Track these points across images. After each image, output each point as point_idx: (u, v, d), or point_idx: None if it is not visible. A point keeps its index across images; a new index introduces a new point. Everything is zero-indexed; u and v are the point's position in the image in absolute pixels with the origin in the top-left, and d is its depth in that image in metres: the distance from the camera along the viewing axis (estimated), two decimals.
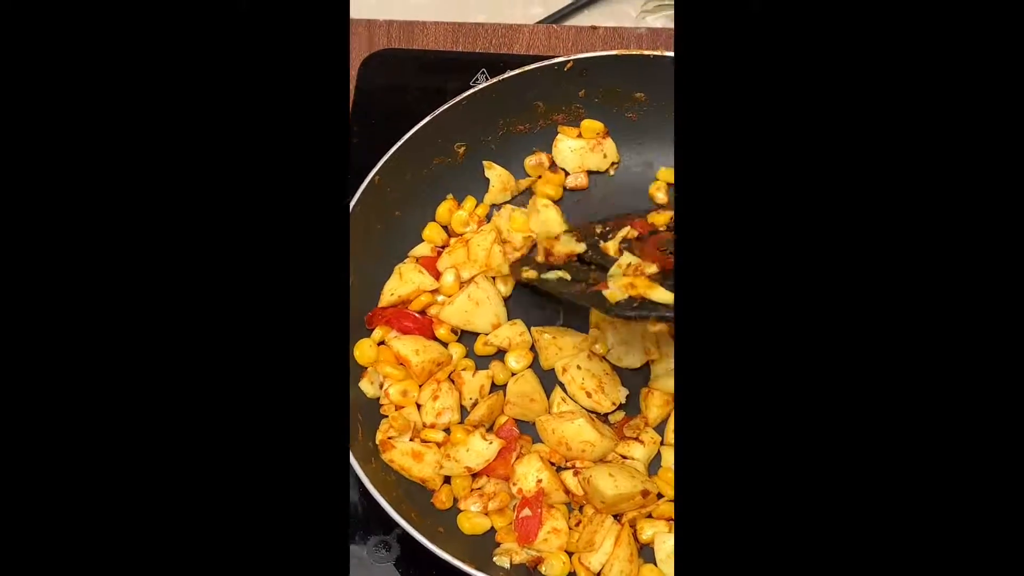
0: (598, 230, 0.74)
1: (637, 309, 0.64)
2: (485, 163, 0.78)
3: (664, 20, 0.96)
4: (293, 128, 0.47)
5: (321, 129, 0.47)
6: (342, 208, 0.48)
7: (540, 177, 0.79)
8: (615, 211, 0.76)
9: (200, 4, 0.47)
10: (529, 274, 0.72)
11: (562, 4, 0.98)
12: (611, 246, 0.72)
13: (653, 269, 0.67)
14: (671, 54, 0.75)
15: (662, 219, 0.74)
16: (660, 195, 0.78)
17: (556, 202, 0.78)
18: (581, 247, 0.72)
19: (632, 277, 0.66)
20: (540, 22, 0.96)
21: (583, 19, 0.98)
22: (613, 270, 0.69)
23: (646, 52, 0.76)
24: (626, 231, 0.73)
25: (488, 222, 0.78)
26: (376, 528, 0.70)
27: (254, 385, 0.45)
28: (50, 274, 0.45)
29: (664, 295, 0.64)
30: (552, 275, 0.71)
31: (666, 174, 0.78)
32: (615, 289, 0.66)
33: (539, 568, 0.68)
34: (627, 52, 0.76)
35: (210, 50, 0.47)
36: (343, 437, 0.57)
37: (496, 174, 0.78)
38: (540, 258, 0.74)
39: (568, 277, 0.71)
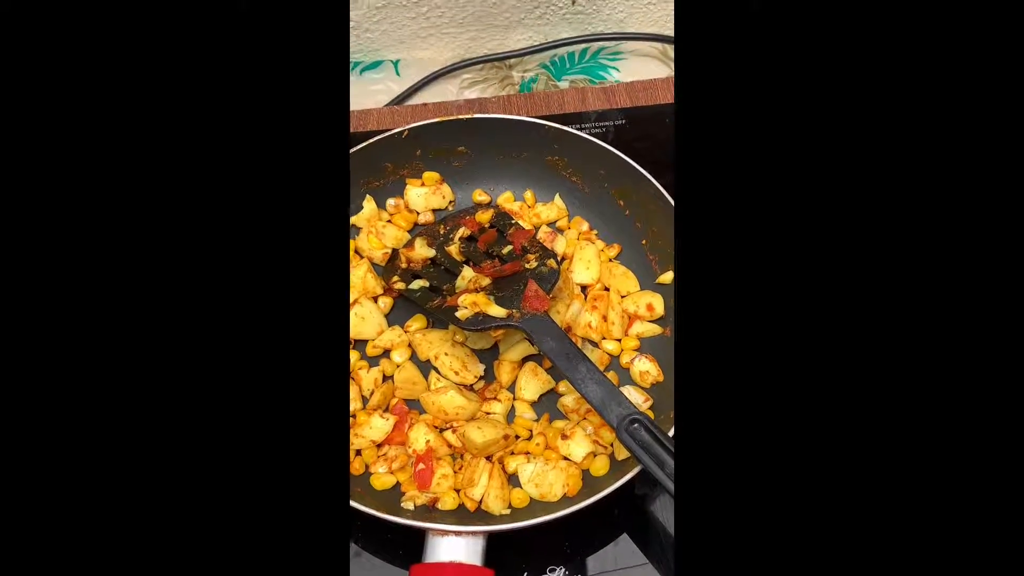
0: (441, 230, 0.89)
1: (482, 323, 0.79)
2: (365, 199, 0.92)
3: (477, 92, 1.14)
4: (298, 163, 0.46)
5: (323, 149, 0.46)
6: (343, 221, 0.48)
7: (397, 214, 0.94)
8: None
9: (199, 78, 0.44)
10: (399, 285, 0.86)
11: (400, 91, 1.14)
12: (454, 249, 0.87)
13: (487, 282, 0.82)
14: (480, 115, 0.92)
15: (485, 217, 0.89)
16: (480, 196, 0.95)
17: (408, 231, 0.92)
18: (431, 252, 0.87)
19: (474, 295, 0.80)
20: (386, 105, 1.12)
21: (417, 99, 1.14)
22: (459, 282, 0.83)
23: (461, 116, 0.92)
24: (462, 231, 0.88)
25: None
26: None
27: (264, 378, 0.45)
28: (51, 286, 0.43)
29: (498, 310, 0.79)
30: (416, 284, 0.85)
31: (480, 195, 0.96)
32: (464, 309, 0.80)
33: (436, 505, 0.78)
34: (446, 118, 0.92)
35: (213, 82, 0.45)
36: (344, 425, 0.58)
37: (370, 207, 0.93)
38: (403, 264, 0.87)
39: (427, 284, 0.85)
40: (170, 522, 0.44)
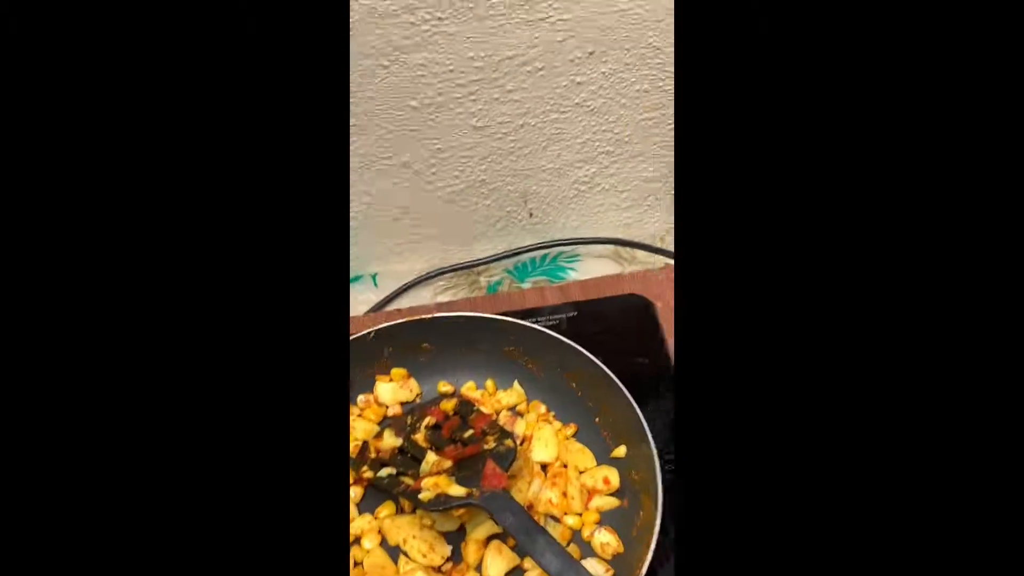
0: (408, 421, 0.96)
1: (444, 503, 0.84)
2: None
3: (450, 296, 1.25)
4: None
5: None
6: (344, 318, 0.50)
7: (367, 408, 1.01)
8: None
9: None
10: (368, 474, 0.92)
11: (378, 299, 1.24)
12: (420, 437, 0.93)
13: (448, 464, 0.88)
14: (439, 315, 1.01)
15: (449, 406, 0.97)
16: (444, 387, 1.03)
17: (378, 423, 0.99)
18: (399, 441, 0.94)
19: (436, 477, 0.86)
20: (365, 313, 1.22)
21: (394, 305, 1.25)
22: (423, 467, 0.89)
23: (422, 317, 1.01)
24: (428, 420, 0.95)
25: None
26: None
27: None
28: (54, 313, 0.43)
29: (458, 490, 0.84)
30: (384, 472, 0.91)
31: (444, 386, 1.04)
32: (426, 492, 0.85)
33: None
34: (408, 319, 1.01)
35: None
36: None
37: None
38: (372, 455, 0.94)
39: (394, 471, 0.91)
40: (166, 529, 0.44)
